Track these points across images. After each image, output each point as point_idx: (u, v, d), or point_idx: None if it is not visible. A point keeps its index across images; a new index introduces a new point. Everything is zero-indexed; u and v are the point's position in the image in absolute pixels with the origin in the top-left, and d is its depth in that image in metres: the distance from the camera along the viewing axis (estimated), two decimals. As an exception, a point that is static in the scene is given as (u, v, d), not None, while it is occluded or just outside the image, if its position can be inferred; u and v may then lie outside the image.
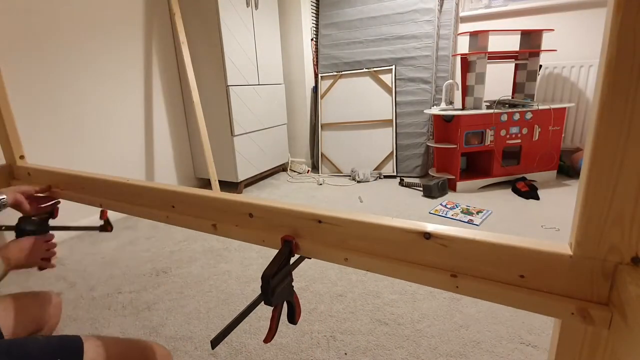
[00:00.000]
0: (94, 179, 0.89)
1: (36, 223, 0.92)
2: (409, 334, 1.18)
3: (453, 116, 2.46)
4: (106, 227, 0.98)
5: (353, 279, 1.52)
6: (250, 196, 0.70)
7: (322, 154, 3.23)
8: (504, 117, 2.41)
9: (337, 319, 1.28)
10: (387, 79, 2.94)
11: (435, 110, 2.61)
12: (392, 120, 2.95)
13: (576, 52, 2.62)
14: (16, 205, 0.86)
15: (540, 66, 2.61)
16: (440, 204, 2.31)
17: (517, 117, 2.43)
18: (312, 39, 3.20)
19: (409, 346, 1.13)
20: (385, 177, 2.98)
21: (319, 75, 3.20)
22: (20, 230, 0.90)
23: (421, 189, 2.56)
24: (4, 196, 0.80)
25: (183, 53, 2.39)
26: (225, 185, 2.78)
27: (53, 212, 0.98)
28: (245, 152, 2.73)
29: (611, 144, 0.35)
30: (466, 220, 2.05)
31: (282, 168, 3.33)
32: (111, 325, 1.30)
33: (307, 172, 3.30)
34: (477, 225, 1.99)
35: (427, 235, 0.48)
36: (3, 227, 0.91)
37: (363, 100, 3.04)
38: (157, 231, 2.10)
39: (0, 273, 0.71)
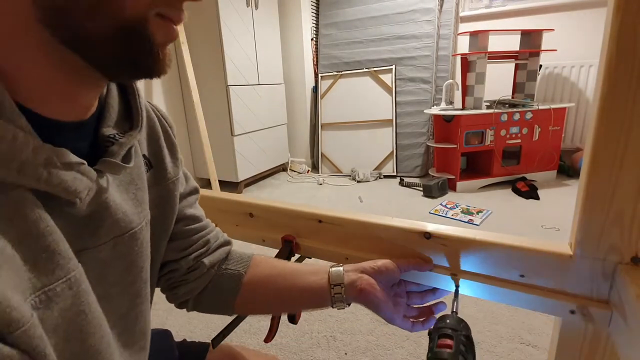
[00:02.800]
0: (94, 178, 0.89)
1: None
2: (409, 334, 1.18)
3: (453, 116, 2.46)
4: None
5: (353, 278, 1.52)
6: (250, 196, 0.70)
7: (322, 154, 3.23)
8: (504, 117, 2.41)
9: (337, 319, 1.28)
10: (387, 78, 2.94)
11: (435, 110, 2.61)
12: (392, 120, 2.95)
13: (576, 52, 2.62)
14: None
15: (540, 66, 2.61)
16: (440, 204, 2.31)
17: (517, 117, 2.43)
18: (312, 39, 3.20)
19: (409, 346, 1.13)
20: (385, 177, 2.98)
21: (319, 75, 3.20)
22: None
23: (421, 189, 2.56)
24: None
25: (183, 53, 2.39)
26: (225, 185, 2.78)
27: None
28: (245, 152, 2.73)
29: (611, 144, 0.35)
30: (466, 220, 2.05)
31: (282, 168, 3.33)
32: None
33: (307, 172, 3.30)
34: (477, 225, 1.99)
35: (428, 235, 0.49)
36: None
37: (363, 100, 3.04)
38: (157, 231, 2.10)
39: None
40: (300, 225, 0.59)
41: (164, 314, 1.34)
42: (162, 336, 0.59)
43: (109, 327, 0.32)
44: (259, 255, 0.54)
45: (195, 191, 0.51)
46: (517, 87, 2.67)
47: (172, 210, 0.44)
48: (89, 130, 0.32)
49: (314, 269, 0.49)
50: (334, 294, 0.47)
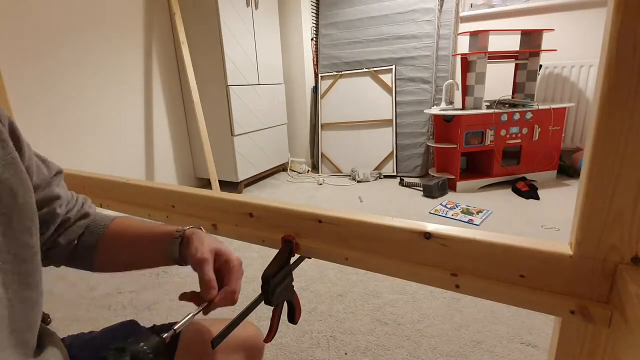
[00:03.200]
0: (94, 178, 0.89)
1: None
2: (409, 334, 1.18)
3: (453, 116, 2.46)
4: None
5: (353, 279, 1.52)
6: (250, 196, 0.70)
7: (322, 154, 3.23)
8: (504, 117, 2.41)
9: (337, 319, 1.28)
10: (387, 78, 2.94)
11: (435, 110, 2.61)
12: (392, 120, 2.95)
13: (576, 52, 2.62)
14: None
15: (541, 66, 2.61)
16: (440, 204, 2.31)
17: (517, 117, 2.43)
18: (312, 39, 3.20)
19: (409, 346, 1.13)
20: (385, 177, 2.98)
21: (319, 75, 3.20)
22: None
23: (421, 188, 2.56)
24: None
25: (183, 53, 2.39)
26: (225, 185, 2.78)
27: None
28: (245, 152, 2.73)
29: (611, 144, 0.35)
30: (466, 220, 2.05)
31: (282, 168, 3.33)
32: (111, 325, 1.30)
33: (307, 172, 3.30)
34: (477, 225, 1.99)
35: (428, 235, 0.48)
36: None
37: (363, 100, 3.04)
38: (157, 231, 2.10)
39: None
40: (300, 225, 0.59)
41: (164, 314, 1.34)
42: (129, 325, 0.60)
43: None
44: (121, 217, 0.58)
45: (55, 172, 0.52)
46: (517, 87, 2.67)
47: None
48: None
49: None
50: (172, 238, 0.50)
